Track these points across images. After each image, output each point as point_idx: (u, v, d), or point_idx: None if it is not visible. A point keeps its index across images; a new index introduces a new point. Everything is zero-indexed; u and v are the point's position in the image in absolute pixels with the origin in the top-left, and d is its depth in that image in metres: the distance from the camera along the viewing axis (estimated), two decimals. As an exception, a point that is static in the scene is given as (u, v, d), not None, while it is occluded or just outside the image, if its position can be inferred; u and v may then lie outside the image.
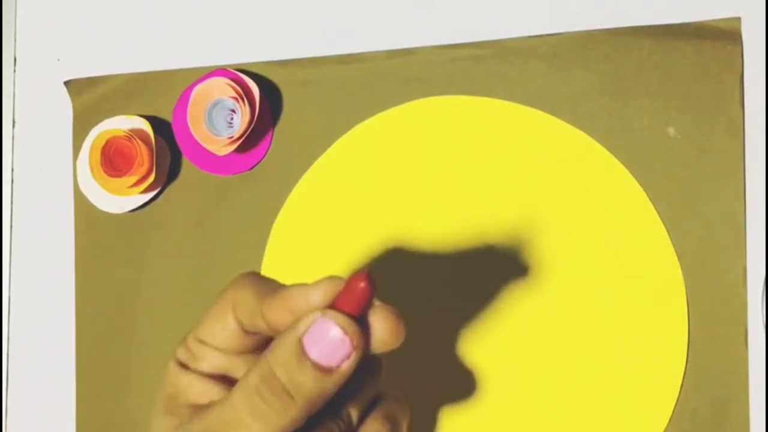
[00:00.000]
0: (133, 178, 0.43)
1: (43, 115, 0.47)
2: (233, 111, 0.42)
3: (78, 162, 0.46)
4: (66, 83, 0.46)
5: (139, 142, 0.43)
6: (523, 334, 0.39)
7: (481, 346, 0.39)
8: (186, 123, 0.43)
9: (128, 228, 0.45)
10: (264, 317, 0.28)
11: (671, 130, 0.38)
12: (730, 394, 0.37)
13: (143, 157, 0.43)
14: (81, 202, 0.45)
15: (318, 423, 0.27)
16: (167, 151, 0.44)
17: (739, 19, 0.38)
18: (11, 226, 0.47)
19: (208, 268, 0.43)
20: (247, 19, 0.45)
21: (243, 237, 0.43)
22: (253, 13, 0.45)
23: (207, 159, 0.44)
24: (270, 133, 0.43)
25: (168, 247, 0.44)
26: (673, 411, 0.37)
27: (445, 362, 0.39)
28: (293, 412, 0.26)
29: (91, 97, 0.46)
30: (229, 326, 0.29)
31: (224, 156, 0.43)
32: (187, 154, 0.44)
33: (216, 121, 0.42)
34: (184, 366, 0.30)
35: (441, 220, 0.40)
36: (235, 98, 0.42)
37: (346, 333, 0.26)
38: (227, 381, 0.29)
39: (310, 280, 0.42)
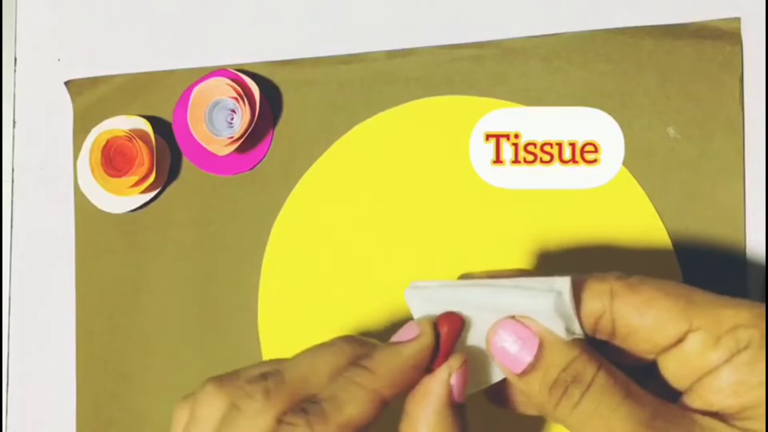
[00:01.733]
0: (134, 178, 0.43)
1: (43, 115, 0.47)
2: (233, 111, 0.42)
3: (78, 162, 0.46)
4: (66, 83, 0.46)
5: (140, 142, 0.43)
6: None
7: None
8: (186, 123, 0.43)
9: (128, 228, 0.45)
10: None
11: (671, 130, 0.38)
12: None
13: (143, 157, 0.43)
14: (81, 202, 0.46)
15: None
16: (167, 151, 0.44)
17: (739, 19, 0.38)
18: (11, 226, 0.47)
19: (208, 268, 0.43)
20: (247, 19, 0.45)
21: (243, 237, 0.43)
22: (253, 13, 0.45)
23: (207, 159, 0.44)
24: (270, 133, 0.43)
25: (168, 247, 0.44)
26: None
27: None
28: None
29: (91, 97, 0.46)
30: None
31: (224, 156, 0.43)
32: (187, 154, 0.44)
33: (216, 121, 0.42)
34: None
35: (441, 220, 0.40)
36: (236, 98, 0.42)
37: None
38: None
39: (310, 281, 0.42)
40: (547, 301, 0.26)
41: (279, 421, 0.25)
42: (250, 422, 0.25)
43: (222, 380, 0.27)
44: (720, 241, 0.37)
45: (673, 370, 0.26)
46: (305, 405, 0.25)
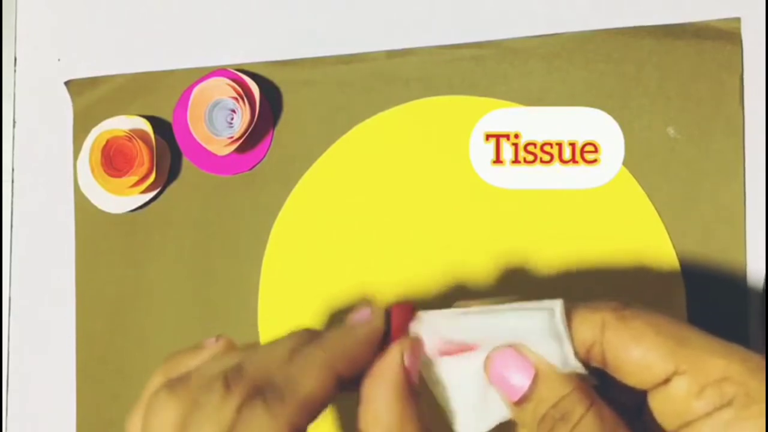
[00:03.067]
0: (134, 178, 0.43)
1: (43, 115, 0.47)
2: (233, 111, 0.42)
3: (78, 162, 0.46)
4: (66, 83, 0.46)
5: (140, 142, 0.43)
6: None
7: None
8: (186, 123, 0.43)
9: (128, 228, 0.45)
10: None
11: (671, 130, 0.38)
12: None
13: (143, 157, 0.43)
14: (81, 202, 0.45)
15: None
16: (167, 151, 0.44)
17: (739, 19, 0.38)
18: (11, 226, 0.47)
19: (208, 268, 0.43)
20: (247, 19, 0.45)
21: (243, 237, 0.43)
22: (253, 13, 0.45)
23: (207, 159, 0.44)
24: (270, 133, 0.43)
25: (168, 247, 0.44)
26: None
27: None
28: None
29: (91, 97, 0.46)
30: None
31: (224, 156, 0.43)
32: (187, 154, 0.44)
33: (216, 121, 0.42)
34: None
35: (441, 219, 0.40)
36: (236, 98, 0.42)
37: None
38: None
39: (310, 280, 0.42)
40: (539, 320, 0.26)
41: (241, 410, 0.25)
42: (212, 415, 0.25)
43: (173, 384, 0.27)
44: (720, 241, 0.37)
45: (660, 409, 0.26)
46: (263, 389, 0.25)
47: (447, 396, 0.28)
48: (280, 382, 0.26)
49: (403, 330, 0.29)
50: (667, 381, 0.25)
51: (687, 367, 0.25)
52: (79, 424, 0.45)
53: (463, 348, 0.28)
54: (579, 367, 0.26)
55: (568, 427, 0.25)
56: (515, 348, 0.27)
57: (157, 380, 0.28)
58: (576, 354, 0.26)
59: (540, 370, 0.26)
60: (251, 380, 0.26)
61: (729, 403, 0.24)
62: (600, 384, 0.27)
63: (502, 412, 0.28)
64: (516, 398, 0.27)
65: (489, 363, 0.27)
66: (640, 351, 0.25)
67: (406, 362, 0.27)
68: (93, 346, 0.45)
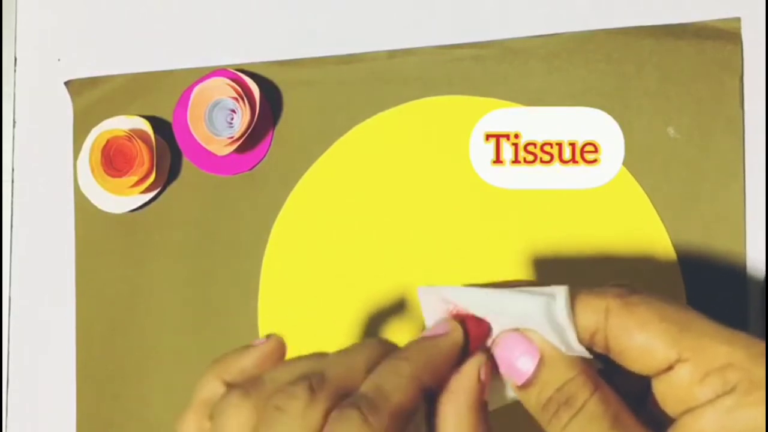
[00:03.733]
0: (134, 178, 0.43)
1: (43, 115, 0.47)
2: (233, 111, 0.42)
3: (78, 162, 0.46)
4: (66, 83, 0.46)
5: (140, 142, 0.43)
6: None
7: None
8: (186, 123, 0.43)
9: (128, 228, 0.45)
10: None
11: (671, 130, 0.38)
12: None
13: (143, 157, 0.43)
14: (81, 202, 0.45)
15: None
16: (167, 151, 0.44)
17: (739, 19, 0.38)
18: (11, 226, 0.47)
19: (208, 268, 0.43)
20: (247, 19, 0.45)
21: (243, 237, 0.43)
22: (253, 13, 0.45)
23: (207, 159, 0.44)
24: (270, 133, 0.43)
25: (168, 247, 0.44)
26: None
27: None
28: None
29: (91, 97, 0.46)
30: None
31: (224, 156, 0.43)
32: (187, 154, 0.44)
33: (216, 121, 0.42)
34: None
35: (441, 219, 0.40)
36: (235, 98, 0.42)
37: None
38: None
39: (310, 280, 0.42)
40: (544, 303, 0.26)
41: (329, 416, 0.24)
42: (298, 421, 0.24)
43: (246, 388, 0.26)
44: (720, 241, 0.37)
45: (663, 395, 0.26)
46: (354, 398, 0.25)
47: None
48: (371, 393, 0.25)
49: (481, 342, 0.28)
50: (670, 368, 0.25)
51: (690, 354, 0.25)
52: (79, 424, 0.45)
53: (471, 318, 0.28)
54: (583, 352, 0.26)
55: (572, 411, 0.26)
56: (521, 332, 0.27)
57: (212, 384, 0.28)
58: (579, 340, 0.26)
59: (545, 354, 0.27)
60: (336, 388, 0.25)
61: (732, 390, 0.24)
62: (604, 370, 0.27)
63: (509, 393, 0.28)
64: (521, 382, 0.27)
65: (495, 346, 0.27)
66: (643, 338, 0.25)
67: (482, 377, 0.27)
68: (93, 346, 0.45)
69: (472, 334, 0.28)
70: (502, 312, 0.27)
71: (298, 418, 0.24)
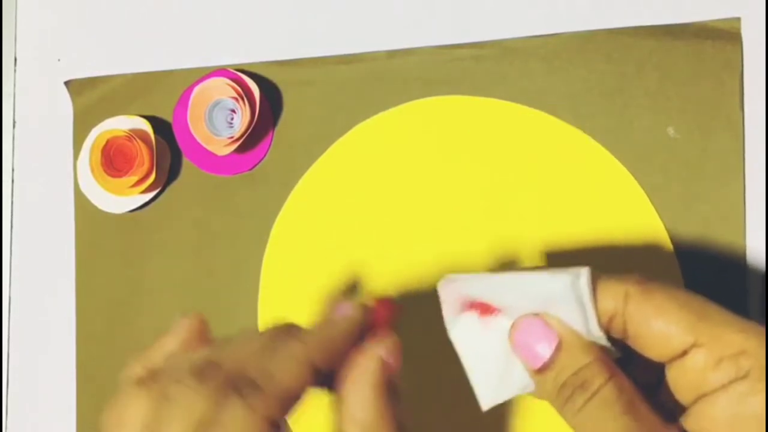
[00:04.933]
0: (134, 178, 0.43)
1: (43, 115, 0.47)
2: (233, 111, 0.42)
3: (78, 162, 0.46)
4: (66, 83, 0.46)
5: (140, 142, 0.43)
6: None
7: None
8: (186, 123, 0.43)
9: (128, 228, 0.45)
10: None
11: (671, 130, 0.38)
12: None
13: (143, 157, 0.43)
14: (81, 202, 0.45)
15: None
16: (167, 151, 0.44)
17: (739, 19, 0.38)
18: (11, 226, 0.47)
19: (208, 268, 0.43)
20: (247, 19, 0.45)
21: (243, 237, 0.43)
22: (253, 13, 0.45)
23: (207, 159, 0.44)
24: (270, 133, 0.43)
25: (168, 247, 0.44)
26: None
27: (449, 361, 0.39)
28: None
29: (91, 97, 0.46)
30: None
31: (224, 156, 0.43)
32: (187, 154, 0.44)
33: (216, 121, 0.42)
34: None
35: (441, 219, 0.40)
36: (235, 98, 0.42)
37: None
38: None
39: (310, 280, 0.42)
40: (565, 284, 0.26)
41: (216, 403, 0.24)
42: (185, 409, 0.24)
43: (144, 379, 0.26)
44: (720, 241, 0.37)
45: (676, 382, 0.26)
46: (238, 383, 0.25)
47: (470, 361, 0.29)
48: (257, 376, 0.25)
49: (386, 324, 0.29)
50: (685, 353, 0.26)
51: (705, 340, 0.25)
52: (79, 424, 0.45)
53: (488, 308, 0.28)
54: (601, 338, 0.27)
55: (586, 396, 0.26)
56: (540, 316, 0.27)
57: (132, 370, 0.28)
58: (599, 322, 0.26)
59: (564, 338, 0.27)
60: (225, 373, 0.25)
61: (745, 376, 0.24)
62: (620, 359, 0.27)
63: (524, 382, 0.28)
64: (538, 366, 0.27)
65: (513, 331, 0.28)
66: (661, 323, 0.26)
67: (387, 359, 0.27)
68: (93, 346, 0.45)
69: (379, 316, 0.28)
70: (522, 295, 0.28)
71: (185, 406, 0.24)
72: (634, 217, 0.38)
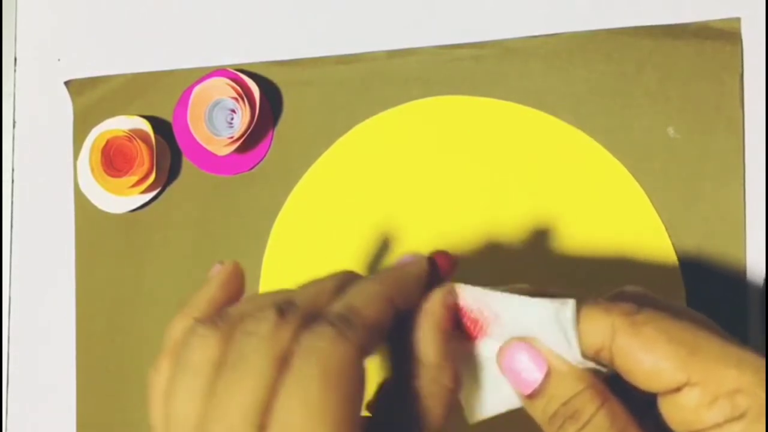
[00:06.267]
0: (134, 178, 0.43)
1: (43, 115, 0.47)
2: (233, 111, 0.42)
3: (78, 162, 0.46)
4: (66, 83, 0.46)
5: (140, 142, 0.43)
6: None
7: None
8: (186, 123, 0.43)
9: (128, 228, 0.45)
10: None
11: (671, 130, 0.38)
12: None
13: (143, 157, 0.43)
14: (81, 202, 0.45)
15: None
16: (167, 151, 0.44)
17: (739, 19, 0.38)
18: (11, 226, 0.47)
19: (208, 268, 0.43)
20: (247, 19, 0.45)
21: (243, 237, 0.43)
22: (253, 13, 0.45)
23: (207, 159, 0.44)
24: (270, 133, 0.43)
25: (168, 247, 0.44)
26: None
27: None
28: None
29: (91, 97, 0.46)
30: None
31: (224, 156, 0.43)
32: (187, 154, 0.44)
33: (216, 121, 0.42)
34: None
35: (441, 219, 0.40)
36: (235, 98, 0.42)
37: None
38: None
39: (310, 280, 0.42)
40: (549, 311, 0.26)
41: (299, 335, 0.24)
42: (268, 342, 0.23)
43: (213, 319, 0.25)
44: (720, 241, 0.37)
45: (668, 414, 0.26)
46: (326, 315, 0.24)
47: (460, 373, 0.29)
48: (343, 309, 0.25)
49: (448, 275, 0.29)
50: (678, 389, 0.25)
51: (699, 378, 0.24)
52: (79, 424, 0.45)
53: (478, 326, 0.28)
54: (589, 363, 0.26)
55: (578, 426, 0.25)
56: (528, 342, 0.27)
57: (182, 323, 0.26)
58: (584, 355, 0.26)
59: (552, 366, 0.26)
60: (305, 311, 0.25)
61: (741, 416, 0.24)
62: (612, 376, 0.27)
63: (512, 400, 0.28)
64: (528, 392, 0.27)
65: (501, 356, 0.27)
66: (651, 360, 0.25)
67: (449, 303, 0.27)
68: (93, 346, 0.45)
69: (442, 266, 0.29)
70: (512, 320, 0.27)
71: (269, 339, 0.23)
72: (634, 217, 0.38)
